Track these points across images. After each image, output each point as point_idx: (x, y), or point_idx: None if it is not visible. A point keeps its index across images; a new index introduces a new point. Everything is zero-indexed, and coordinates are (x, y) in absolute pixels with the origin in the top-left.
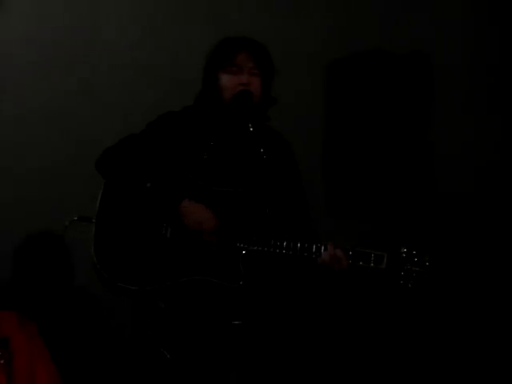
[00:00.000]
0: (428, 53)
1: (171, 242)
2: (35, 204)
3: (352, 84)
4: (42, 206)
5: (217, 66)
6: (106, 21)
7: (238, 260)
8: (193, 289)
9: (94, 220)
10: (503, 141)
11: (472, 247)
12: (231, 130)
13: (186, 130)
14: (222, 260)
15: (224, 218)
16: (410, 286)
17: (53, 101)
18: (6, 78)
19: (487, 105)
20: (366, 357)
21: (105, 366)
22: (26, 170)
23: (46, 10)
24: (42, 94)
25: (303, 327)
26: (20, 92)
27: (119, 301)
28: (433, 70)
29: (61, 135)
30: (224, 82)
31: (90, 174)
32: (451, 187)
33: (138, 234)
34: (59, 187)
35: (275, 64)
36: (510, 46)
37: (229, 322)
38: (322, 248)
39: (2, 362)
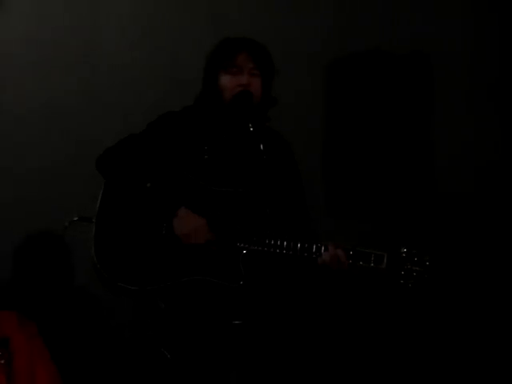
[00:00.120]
0: (428, 53)
1: (171, 242)
2: (35, 204)
3: (352, 84)
4: (42, 205)
5: (217, 66)
6: (106, 21)
7: (239, 260)
8: (193, 289)
9: (94, 220)
10: (503, 141)
11: (472, 247)
12: (231, 130)
13: (186, 130)
14: (223, 260)
15: (224, 218)
16: (411, 285)
17: (53, 101)
18: (5, 78)
19: (487, 105)
20: (366, 356)
21: (105, 366)
22: (26, 170)
23: (46, 10)
24: (42, 94)
25: (303, 327)
26: (20, 92)
27: (119, 301)
28: (433, 70)
29: (61, 135)
30: (224, 82)
31: (90, 173)
32: (451, 187)
33: (138, 233)
34: (59, 187)
35: (275, 64)
36: (510, 46)
37: (229, 321)
38: (323, 248)
39: (2, 361)
